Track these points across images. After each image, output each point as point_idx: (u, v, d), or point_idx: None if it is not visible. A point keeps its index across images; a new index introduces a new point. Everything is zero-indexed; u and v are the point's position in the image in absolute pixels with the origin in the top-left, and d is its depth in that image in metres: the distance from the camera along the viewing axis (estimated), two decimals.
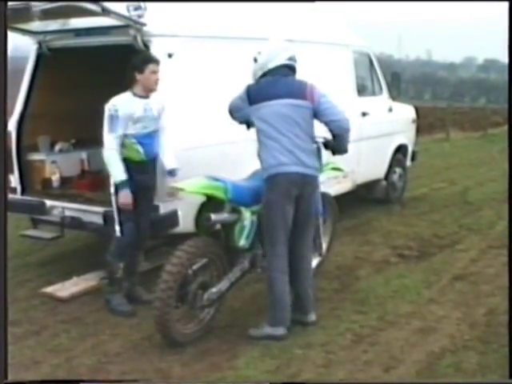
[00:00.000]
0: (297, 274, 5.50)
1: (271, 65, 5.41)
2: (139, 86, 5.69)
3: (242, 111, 5.52)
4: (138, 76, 5.64)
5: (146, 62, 5.63)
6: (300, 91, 5.35)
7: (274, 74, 5.43)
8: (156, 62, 5.68)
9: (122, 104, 5.58)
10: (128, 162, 5.70)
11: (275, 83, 5.40)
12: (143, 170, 5.80)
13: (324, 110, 5.35)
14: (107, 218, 6.11)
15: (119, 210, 5.73)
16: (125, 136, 5.65)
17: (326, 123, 5.39)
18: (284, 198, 5.27)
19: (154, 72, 5.65)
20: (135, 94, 5.68)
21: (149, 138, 5.78)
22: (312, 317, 5.61)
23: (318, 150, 5.91)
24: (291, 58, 5.50)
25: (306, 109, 5.32)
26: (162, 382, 4.71)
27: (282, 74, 5.44)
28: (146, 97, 5.73)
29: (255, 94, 5.41)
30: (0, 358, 3.90)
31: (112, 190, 5.73)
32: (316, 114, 5.38)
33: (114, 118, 5.55)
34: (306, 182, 5.35)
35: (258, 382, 4.65)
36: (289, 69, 5.47)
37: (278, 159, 5.24)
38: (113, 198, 5.76)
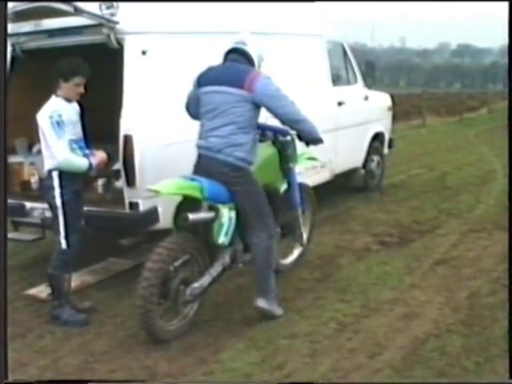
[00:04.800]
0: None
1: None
2: (62, 92, 5.49)
3: (193, 97, 5.55)
4: (62, 84, 5.45)
5: (72, 73, 5.42)
6: (238, 80, 5.26)
7: (227, 60, 5.47)
8: (84, 74, 5.46)
9: (62, 109, 5.39)
10: (70, 172, 5.47)
11: (220, 68, 5.46)
12: (80, 178, 5.64)
13: (266, 103, 5.28)
14: (88, 217, 6.10)
15: (66, 222, 5.47)
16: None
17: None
18: None
19: (78, 85, 5.46)
20: (65, 99, 5.47)
21: (82, 143, 5.61)
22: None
23: (293, 141, 5.96)
24: (238, 42, 5.48)
25: (239, 97, 5.25)
26: (170, 382, 4.71)
27: (231, 60, 5.44)
28: (71, 101, 5.56)
29: (201, 78, 5.48)
30: (0, 358, 3.91)
31: (58, 202, 5.46)
32: (260, 105, 5.34)
33: (60, 123, 5.31)
34: None
35: (263, 382, 4.66)
36: (239, 54, 5.44)
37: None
38: (59, 212, 5.47)
